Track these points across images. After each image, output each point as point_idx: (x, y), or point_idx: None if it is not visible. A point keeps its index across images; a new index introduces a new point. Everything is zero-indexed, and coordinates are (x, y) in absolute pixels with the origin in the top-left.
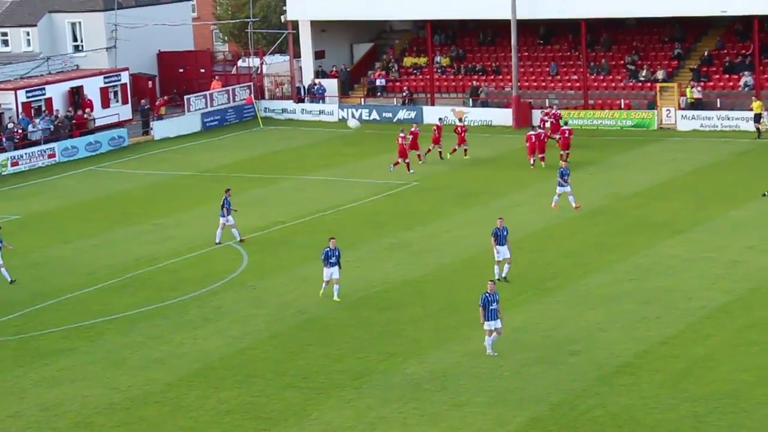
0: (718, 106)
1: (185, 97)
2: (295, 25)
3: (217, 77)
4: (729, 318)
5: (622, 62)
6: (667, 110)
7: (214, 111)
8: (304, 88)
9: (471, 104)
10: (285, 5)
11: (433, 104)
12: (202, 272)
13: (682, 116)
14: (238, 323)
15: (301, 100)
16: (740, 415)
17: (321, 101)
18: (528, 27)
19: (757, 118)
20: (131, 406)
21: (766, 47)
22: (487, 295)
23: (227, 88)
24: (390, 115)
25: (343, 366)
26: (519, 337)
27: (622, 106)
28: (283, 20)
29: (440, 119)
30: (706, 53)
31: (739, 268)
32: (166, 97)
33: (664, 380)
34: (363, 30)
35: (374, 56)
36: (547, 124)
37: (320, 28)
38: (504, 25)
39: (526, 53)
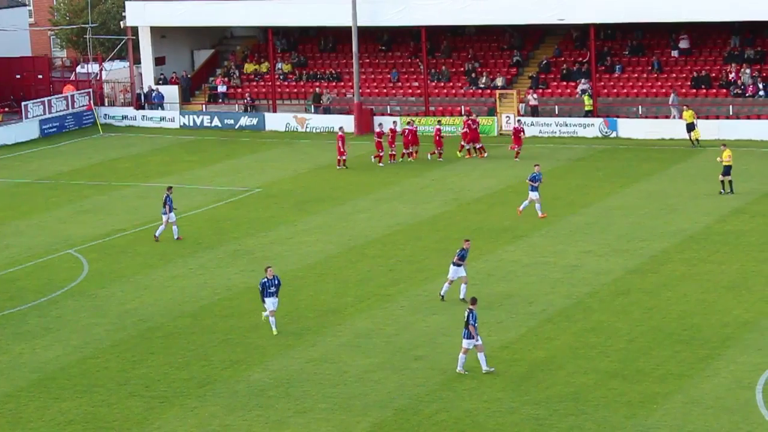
0: (557, 112)
1: (22, 103)
2: (134, 31)
3: (68, 82)
4: (569, 322)
5: (462, 69)
6: (507, 117)
7: (53, 118)
8: (144, 94)
9: (313, 111)
10: (124, 11)
11: (275, 111)
12: (41, 281)
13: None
14: (78, 332)
15: (141, 107)
16: (580, 417)
17: (160, 108)
18: (369, 34)
19: (690, 127)
20: None
21: (602, 55)
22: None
23: (66, 94)
24: (232, 122)
25: (187, 374)
26: (362, 342)
27: (462, 113)
28: (122, 26)
29: (381, 123)
30: (544, 61)
31: (578, 273)
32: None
33: (505, 384)
34: (204, 36)
35: (215, 63)
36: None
37: (160, 34)
38: (345, 31)
39: (368, 60)
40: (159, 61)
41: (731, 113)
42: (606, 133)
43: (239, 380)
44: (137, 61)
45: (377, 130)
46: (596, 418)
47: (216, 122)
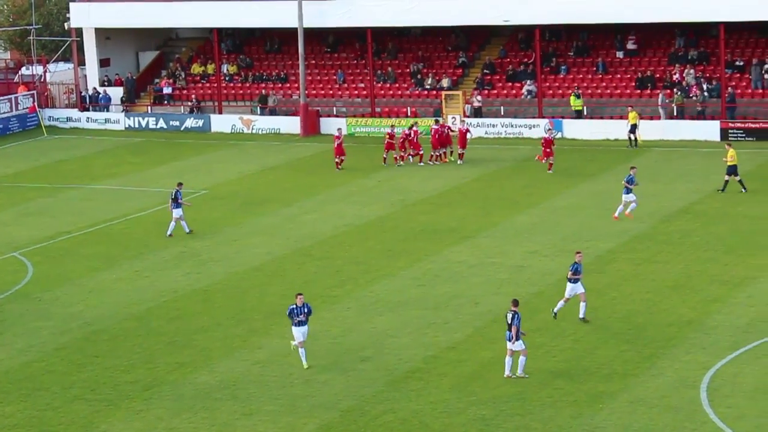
0: (502, 113)
1: None
2: (79, 32)
3: (22, 83)
4: None
5: (408, 70)
6: (453, 118)
7: None
8: (89, 96)
9: (259, 112)
10: (68, 12)
11: (220, 112)
12: None
13: (467, 124)
14: (23, 336)
15: (86, 109)
16: (526, 417)
17: (105, 110)
18: (315, 35)
19: (633, 128)
20: None
21: (548, 56)
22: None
23: (9, 96)
24: (177, 123)
25: (132, 377)
26: (309, 344)
27: (409, 114)
28: (66, 27)
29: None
30: (489, 61)
31: (524, 273)
32: None
33: (452, 384)
34: (149, 37)
35: (160, 64)
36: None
37: (105, 35)
38: (291, 33)
39: (314, 61)
40: (104, 63)
41: (675, 113)
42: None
43: (185, 383)
44: (81, 62)
45: (435, 127)
46: (542, 418)
47: (161, 124)
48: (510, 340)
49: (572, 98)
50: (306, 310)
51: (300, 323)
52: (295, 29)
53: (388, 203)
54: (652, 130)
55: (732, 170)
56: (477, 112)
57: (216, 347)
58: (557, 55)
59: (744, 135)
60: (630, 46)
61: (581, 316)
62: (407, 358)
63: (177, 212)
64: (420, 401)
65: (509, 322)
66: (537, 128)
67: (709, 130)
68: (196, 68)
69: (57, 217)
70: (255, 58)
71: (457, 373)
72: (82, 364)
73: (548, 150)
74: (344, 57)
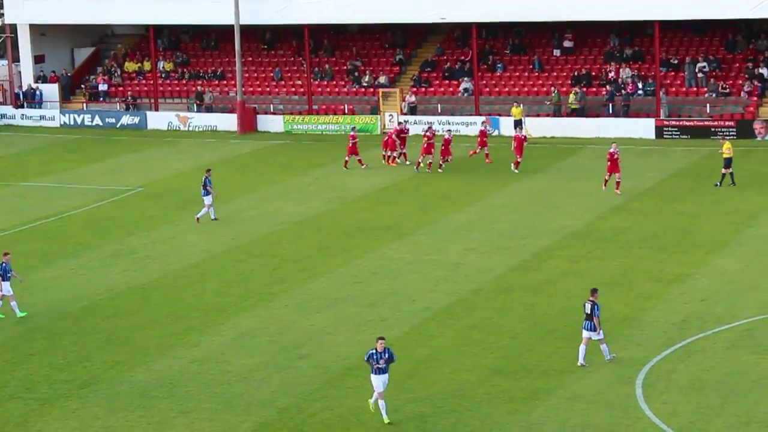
0: (439, 111)
1: None
2: (13, 28)
3: None
4: (452, 319)
5: (345, 68)
6: (390, 115)
7: None
8: (23, 93)
9: (196, 109)
10: (2, 8)
11: (157, 110)
12: None
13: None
14: None
15: (20, 106)
16: (464, 414)
17: (39, 106)
18: (252, 32)
19: (517, 124)
20: None
21: (484, 54)
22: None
23: None
24: (113, 120)
25: (68, 375)
26: (246, 342)
27: (346, 111)
28: (0, 23)
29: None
30: (426, 59)
31: (461, 270)
32: None
33: (390, 382)
34: (84, 34)
35: (96, 61)
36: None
37: (40, 31)
38: (228, 30)
39: (250, 58)
40: (38, 59)
41: (611, 111)
42: (488, 131)
43: (122, 381)
44: (16, 59)
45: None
46: (480, 415)
47: (97, 121)
48: (591, 330)
49: (571, 96)
50: (386, 356)
51: (380, 371)
52: (232, 26)
53: (326, 200)
54: (588, 127)
55: (728, 163)
56: (412, 110)
57: (153, 345)
58: (494, 53)
59: (679, 133)
60: (566, 44)
61: None
62: (344, 356)
63: (207, 199)
64: (358, 398)
65: (588, 312)
66: (474, 126)
67: (644, 128)
68: (131, 65)
69: None
70: (191, 55)
71: (394, 370)
72: (17, 363)
73: (616, 159)
74: (281, 54)
